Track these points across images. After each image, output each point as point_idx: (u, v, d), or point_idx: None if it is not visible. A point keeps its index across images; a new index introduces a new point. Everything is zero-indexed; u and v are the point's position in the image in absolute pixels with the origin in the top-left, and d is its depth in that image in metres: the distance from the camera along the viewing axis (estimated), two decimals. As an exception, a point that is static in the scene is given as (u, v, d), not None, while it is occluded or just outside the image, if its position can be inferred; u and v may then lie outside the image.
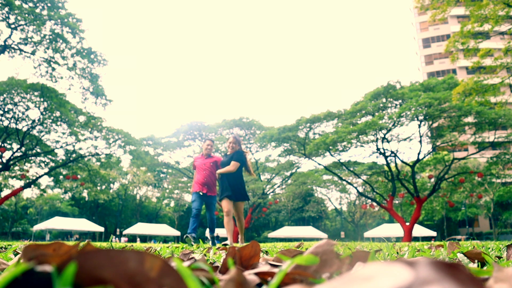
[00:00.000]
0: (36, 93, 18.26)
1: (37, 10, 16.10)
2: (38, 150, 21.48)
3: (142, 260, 0.36)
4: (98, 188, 28.67)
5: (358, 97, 22.63)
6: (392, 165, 23.84)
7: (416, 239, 34.26)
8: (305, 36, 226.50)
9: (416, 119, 20.85)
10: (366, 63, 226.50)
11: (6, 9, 15.26)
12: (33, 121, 19.56)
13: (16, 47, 16.99)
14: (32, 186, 23.31)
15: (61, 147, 21.64)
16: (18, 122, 19.48)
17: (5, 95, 18.26)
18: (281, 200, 48.00)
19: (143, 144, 24.46)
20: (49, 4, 16.18)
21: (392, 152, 22.57)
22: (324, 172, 33.36)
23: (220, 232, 40.50)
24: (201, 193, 6.34)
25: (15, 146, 20.99)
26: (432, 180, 27.52)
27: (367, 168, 27.22)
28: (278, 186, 32.93)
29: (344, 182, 32.64)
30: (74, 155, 22.04)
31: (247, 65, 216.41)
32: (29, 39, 16.82)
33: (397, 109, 21.10)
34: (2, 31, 16.23)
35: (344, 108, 22.54)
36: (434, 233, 35.16)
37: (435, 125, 22.61)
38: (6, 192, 26.46)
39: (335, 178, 34.25)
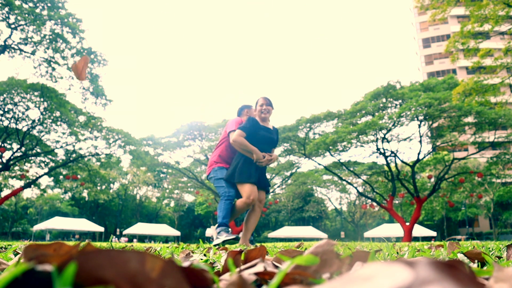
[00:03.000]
0: (36, 93, 18.24)
1: (37, 10, 16.08)
2: (38, 150, 21.47)
3: (143, 260, 0.36)
4: (98, 188, 28.68)
5: (358, 97, 22.63)
6: (392, 165, 23.83)
7: (416, 239, 34.25)
8: (305, 36, 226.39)
9: (416, 119, 20.84)
10: (366, 63, 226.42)
11: (6, 9, 15.25)
12: (33, 121, 19.55)
13: (16, 47, 16.98)
14: (32, 186, 23.30)
15: (61, 147, 21.63)
16: (18, 122, 19.47)
17: (5, 95, 18.25)
18: (281, 200, 48.00)
19: (143, 144, 24.43)
20: (49, 4, 16.16)
21: (392, 152, 22.55)
22: (324, 172, 33.36)
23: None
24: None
25: (15, 146, 20.98)
26: (432, 180, 27.51)
27: (367, 168, 27.22)
28: (278, 186, 32.93)
29: (344, 182, 32.64)
30: (74, 155, 22.04)
31: (247, 65, 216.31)
32: (29, 39, 16.80)
33: (397, 109, 21.08)
34: (2, 31, 16.21)
35: (344, 108, 22.52)
36: (434, 233, 35.16)
37: (435, 125, 22.59)
38: (6, 192, 26.46)
39: (335, 178, 34.26)
